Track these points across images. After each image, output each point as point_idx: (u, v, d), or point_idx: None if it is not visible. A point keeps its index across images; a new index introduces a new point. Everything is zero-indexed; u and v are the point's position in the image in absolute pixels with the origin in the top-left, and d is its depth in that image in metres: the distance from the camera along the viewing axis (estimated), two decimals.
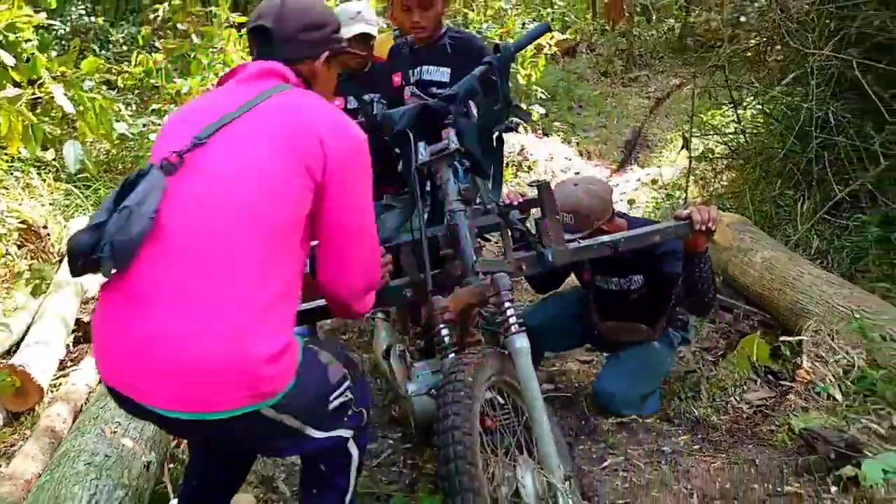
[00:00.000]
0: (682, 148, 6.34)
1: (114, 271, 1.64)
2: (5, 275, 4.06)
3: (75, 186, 5.18)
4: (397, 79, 3.45)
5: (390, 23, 4.73)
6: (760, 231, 5.00)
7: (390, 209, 2.77)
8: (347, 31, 3.87)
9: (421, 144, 2.61)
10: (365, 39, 3.88)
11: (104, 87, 4.25)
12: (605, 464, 2.82)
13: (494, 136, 2.83)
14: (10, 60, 3.17)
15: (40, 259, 4.18)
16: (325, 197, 1.82)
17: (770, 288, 4.21)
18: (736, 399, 3.23)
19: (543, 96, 10.44)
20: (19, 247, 4.24)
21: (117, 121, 4.32)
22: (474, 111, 2.68)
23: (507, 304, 2.29)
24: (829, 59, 4.74)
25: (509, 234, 2.74)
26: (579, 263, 3.30)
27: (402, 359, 2.94)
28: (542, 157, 9.74)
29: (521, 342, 2.22)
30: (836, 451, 2.69)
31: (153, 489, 2.48)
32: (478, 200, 2.81)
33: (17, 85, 3.48)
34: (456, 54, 3.31)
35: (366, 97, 3.00)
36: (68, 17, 6.47)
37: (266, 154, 1.77)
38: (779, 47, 5.31)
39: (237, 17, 5.79)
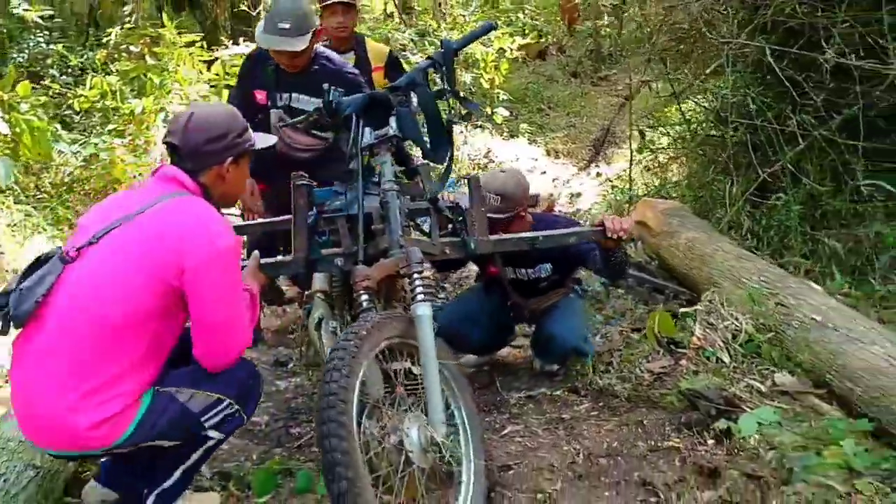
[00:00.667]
0: (642, 140, 6.63)
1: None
2: None
3: (34, 208, 5.41)
4: (261, 97, 3.62)
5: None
6: (691, 215, 5.20)
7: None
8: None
9: (367, 129, 2.83)
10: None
11: (40, 110, 4.45)
12: (505, 431, 3.03)
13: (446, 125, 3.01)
14: None
15: None
16: (187, 298, 2.17)
17: (690, 266, 4.43)
18: (640, 370, 3.43)
19: (507, 99, 10.67)
20: None
21: (56, 141, 4.55)
22: (414, 101, 2.90)
23: (415, 276, 2.51)
24: (744, 46, 4.96)
25: (437, 219, 2.97)
26: (485, 256, 3.52)
27: (333, 334, 3.14)
28: (507, 159, 9.96)
29: (424, 310, 2.43)
30: (716, 407, 2.90)
31: (77, 473, 2.67)
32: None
33: None
34: (327, 82, 3.52)
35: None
36: (25, 46, 6.71)
37: (127, 262, 2.14)
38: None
39: (184, 38, 6.03)
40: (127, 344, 2.12)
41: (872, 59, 4.39)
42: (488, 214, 3.22)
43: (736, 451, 2.69)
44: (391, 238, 2.64)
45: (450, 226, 3.03)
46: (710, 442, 2.78)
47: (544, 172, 9.72)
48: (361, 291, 2.58)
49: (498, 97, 10.33)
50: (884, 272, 4.33)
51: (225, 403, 2.27)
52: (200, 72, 6.20)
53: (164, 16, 6.28)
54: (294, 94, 3.64)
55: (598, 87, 14.18)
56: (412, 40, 10.25)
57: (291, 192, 2.85)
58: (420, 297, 2.46)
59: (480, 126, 10.51)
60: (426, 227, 3.12)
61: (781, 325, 3.33)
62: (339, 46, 4.53)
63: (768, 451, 2.65)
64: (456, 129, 10.07)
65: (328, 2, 4.43)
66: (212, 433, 2.29)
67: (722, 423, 2.79)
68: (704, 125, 5.96)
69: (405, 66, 5.54)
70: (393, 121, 2.80)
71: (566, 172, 9.97)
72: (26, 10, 6.18)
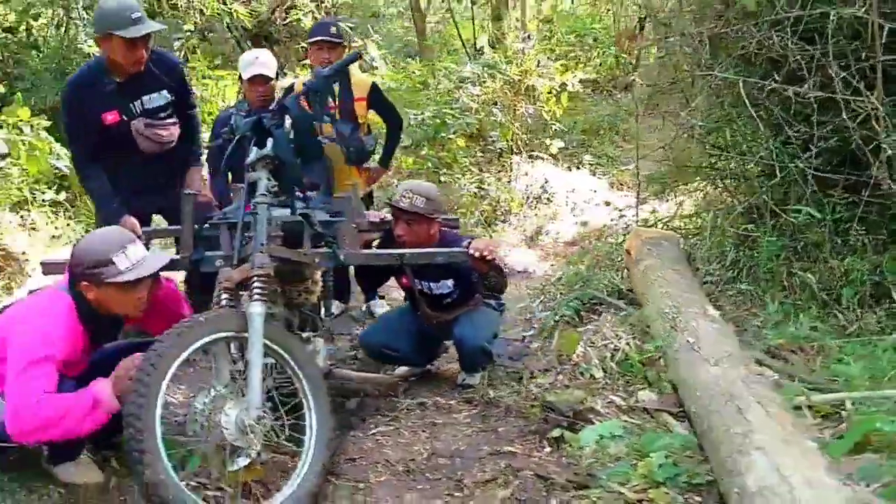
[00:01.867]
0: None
1: None
2: None
3: (72, 219, 6.11)
4: (112, 116, 3.75)
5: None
6: (671, 245, 5.24)
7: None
8: (247, 73, 4.51)
9: (255, 149, 3.16)
10: (263, 79, 4.51)
11: (43, 132, 5.08)
12: (373, 431, 3.26)
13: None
14: None
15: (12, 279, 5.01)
16: None
17: (642, 291, 4.53)
18: (535, 384, 3.59)
19: (562, 129, 10.84)
20: None
21: (57, 158, 5.17)
22: (287, 123, 3.24)
23: (254, 279, 2.83)
24: (719, 78, 5.02)
25: (309, 231, 3.29)
26: (399, 269, 3.78)
27: None
28: (564, 189, 10.06)
29: (256, 308, 2.73)
30: (566, 419, 3.06)
31: None
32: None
33: None
34: (164, 75, 3.81)
35: (231, 111, 3.61)
36: None
37: None
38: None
39: (217, 71, 6.64)
40: None
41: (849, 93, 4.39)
42: (413, 210, 3.59)
43: (564, 458, 2.84)
44: (255, 245, 2.96)
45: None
46: (548, 449, 2.93)
47: (598, 204, 9.76)
48: (221, 291, 2.91)
49: (550, 128, 10.49)
50: (851, 305, 4.30)
51: None
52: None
53: (198, 52, 6.89)
54: (144, 97, 3.81)
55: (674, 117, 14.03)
56: (475, 72, 10.57)
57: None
58: (256, 297, 2.76)
59: (539, 156, 10.70)
60: None
61: (666, 347, 3.42)
62: None
63: (588, 459, 2.79)
64: (515, 158, 10.31)
65: (316, 39, 4.86)
66: None
67: (556, 432, 2.95)
68: (701, 157, 6.00)
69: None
70: (270, 140, 3.12)
71: (623, 202, 9.98)
72: (90, 46, 6.93)
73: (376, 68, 8.59)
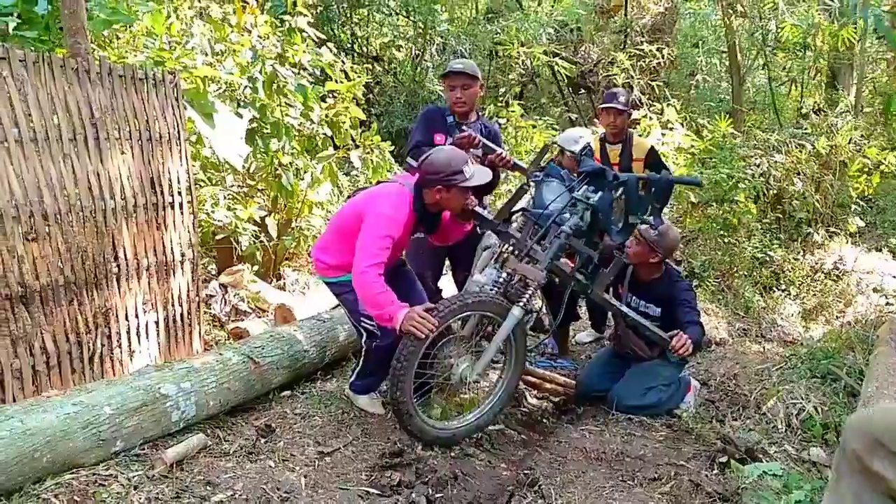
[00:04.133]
0: None
1: None
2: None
3: None
4: (440, 138, 4.83)
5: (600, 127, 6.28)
6: None
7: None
8: (569, 147, 5.48)
9: (585, 186, 4.09)
10: (573, 153, 5.47)
11: (387, 152, 6.48)
12: (583, 428, 4.07)
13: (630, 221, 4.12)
14: (328, 132, 5.48)
15: None
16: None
17: (869, 371, 4.83)
18: (730, 425, 4.17)
19: (868, 208, 10.58)
20: None
21: (390, 171, 6.59)
22: (617, 193, 4.08)
23: (529, 287, 3.77)
24: None
25: (580, 261, 4.18)
26: (618, 280, 4.55)
27: (489, 256, 4.45)
28: (858, 269, 9.87)
29: (517, 311, 3.68)
30: (738, 452, 3.66)
31: None
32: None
33: (335, 147, 5.81)
34: (486, 135, 4.80)
35: (585, 154, 4.73)
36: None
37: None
38: None
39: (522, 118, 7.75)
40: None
41: None
42: (642, 234, 4.34)
43: (723, 478, 3.46)
44: (543, 256, 3.88)
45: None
46: (715, 471, 3.56)
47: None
48: (508, 275, 3.86)
49: (855, 207, 10.32)
50: None
51: (372, 322, 3.70)
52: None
53: (514, 101, 8.08)
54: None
55: None
56: (780, 140, 10.70)
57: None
58: (521, 302, 3.71)
59: (836, 232, 10.57)
60: None
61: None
62: (613, 140, 5.84)
63: (742, 484, 3.38)
64: (810, 230, 10.26)
65: (604, 105, 5.79)
66: (363, 331, 3.82)
67: (724, 459, 3.56)
68: None
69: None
70: (599, 194, 3.96)
71: None
72: (435, 84, 8.45)
73: (672, 129, 9.20)
